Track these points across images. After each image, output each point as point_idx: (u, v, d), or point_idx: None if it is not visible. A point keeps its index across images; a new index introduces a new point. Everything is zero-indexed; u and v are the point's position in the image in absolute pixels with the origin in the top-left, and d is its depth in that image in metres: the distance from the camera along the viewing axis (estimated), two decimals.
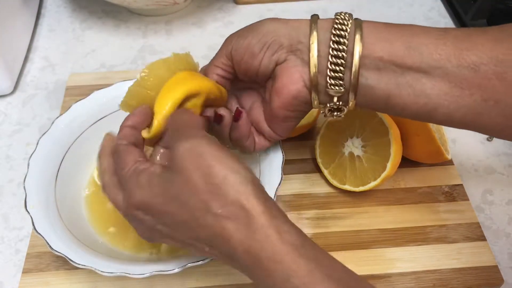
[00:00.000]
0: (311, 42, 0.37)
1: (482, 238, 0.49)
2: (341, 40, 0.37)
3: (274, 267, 0.31)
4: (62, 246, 0.40)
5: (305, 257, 0.31)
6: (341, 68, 0.37)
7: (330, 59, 0.37)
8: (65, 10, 0.74)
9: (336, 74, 0.37)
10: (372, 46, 0.36)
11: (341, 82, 0.37)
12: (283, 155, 0.46)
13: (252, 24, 0.41)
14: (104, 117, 0.50)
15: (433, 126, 0.50)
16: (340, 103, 0.39)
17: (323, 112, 0.41)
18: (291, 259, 0.31)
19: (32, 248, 0.47)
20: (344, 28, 0.37)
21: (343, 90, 0.38)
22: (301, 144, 0.56)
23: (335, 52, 0.37)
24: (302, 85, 0.39)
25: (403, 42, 0.36)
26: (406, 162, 0.53)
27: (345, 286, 0.31)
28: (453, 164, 0.55)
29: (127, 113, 0.40)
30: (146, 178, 0.35)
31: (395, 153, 0.48)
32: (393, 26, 0.37)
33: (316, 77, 0.38)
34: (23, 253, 0.48)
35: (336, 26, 0.37)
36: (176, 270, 0.39)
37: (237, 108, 0.42)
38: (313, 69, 0.38)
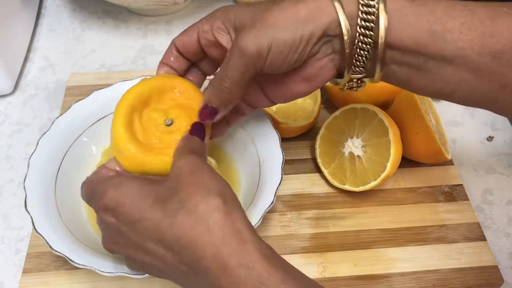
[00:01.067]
0: (343, 28, 0.35)
1: (482, 238, 0.49)
2: (368, 24, 0.35)
3: (245, 273, 0.30)
4: (62, 246, 0.40)
5: (277, 266, 0.31)
6: (369, 46, 0.36)
7: (359, 38, 0.36)
8: (65, 10, 0.74)
9: (364, 53, 0.36)
10: (397, 32, 0.35)
11: (366, 61, 0.37)
12: (283, 155, 0.46)
13: (261, 7, 0.37)
14: (104, 117, 0.50)
15: (433, 126, 0.50)
16: (363, 80, 0.39)
17: (341, 89, 0.40)
18: (262, 267, 0.31)
19: (32, 248, 0.47)
20: (371, 11, 0.35)
21: (368, 67, 0.37)
22: (301, 144, 0.56)
23: (362, 33, 0.35)
24: (334, 72, 0.38)
25: (428, 26, 0.35)
26: (406, 162, 0.53)
27: None
28: (453, 164, 0.55)
29: None
30: (122, 179, 0.36)
31: (395, 153, 0.48)
32: (416, 4, 0.36)
33: (350, 59, 0.37)
34: (23, 253, 0.48)
35: (362, 9, 0.35)
36: None
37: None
38: (348, 53, 0.36)
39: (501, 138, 0.59)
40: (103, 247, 0.37)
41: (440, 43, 0.35)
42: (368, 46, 0.36)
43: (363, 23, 0.35)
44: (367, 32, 0.35)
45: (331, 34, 0.36)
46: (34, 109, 0.61)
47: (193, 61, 0.42)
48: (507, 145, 0.58)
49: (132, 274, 0.39)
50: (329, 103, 0.58)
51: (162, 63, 0.42)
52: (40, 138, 0.47)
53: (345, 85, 0.39)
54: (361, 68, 0.37)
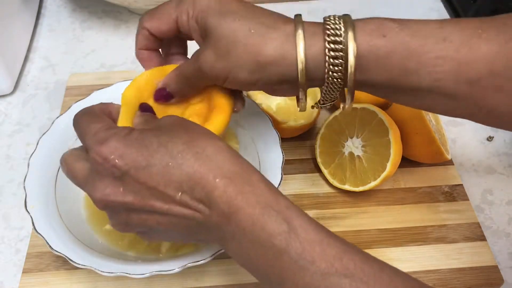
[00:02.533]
0: (300, 78, 0.35)
1: (482, 238, 0.49)
2: (337, 61, 0.34)
3: (254, 198, 0.31)
4: (62, 246, 0.40)
5: (283, 196, 0.32)
6: (339, 83, 0.36)
7: (328, 74, 0.35)
8: (65, 10, 0.74)
9: (334, 88, 0.36)
10: (368, 72, 0.35)
11: (335, 94, 0.37)
12: (283, 155, 0.46)
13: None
14: None
15: (433, 126, 0.50)
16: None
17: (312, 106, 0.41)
18: (271, 196, 0.32)
19: (32, 248, 0.47)
20: (338, 48, 0.34)
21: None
22: (301, 144, 0.56)
23: (331, 69, 0.35)
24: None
25: (401, 62, 0.34)
26: (406, 162, 0.53)
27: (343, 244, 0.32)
28: (453, 164, 0.55)
29: None
30: (121, 131, 0.34)
31: (395, 153, 0.48)
32: (388, 38, 0.34)
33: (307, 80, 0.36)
34: (23, 253, 0.48)
35: (329, 46, 0.34)
36: (176, 270, 0.39)
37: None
38: (302, 79, 0.36)
39: (501, 138, 0.59)
40: (113, 223, 0.35)
41: (414, 78, 0.34)
42: (338, 82, 0.35)
43: (331, 61, 0.35)
44: (336, 69, 0.35)
45: (290, 80, 0.36)
46: (34, 109, 0.61)
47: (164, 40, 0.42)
48: (507, 145, 0.58)
49: (132, 274, 0.39)
50: None
51: (140, 49, 0.41)
52: (40, 138, 0.47)
53: (315, 105, 0.40)
54: (331, 97, 0.38)
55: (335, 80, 0.35)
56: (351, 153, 0.51)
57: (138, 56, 0.42)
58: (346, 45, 0.34)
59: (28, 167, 0.45)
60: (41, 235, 0.40)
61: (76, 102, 0.50)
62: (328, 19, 0.35)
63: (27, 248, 0.47)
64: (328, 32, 0.34)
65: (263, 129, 0.48)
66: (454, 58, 0.34)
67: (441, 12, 0.74)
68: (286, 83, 0.36)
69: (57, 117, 0.48)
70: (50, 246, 0.40)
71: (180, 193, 0.32)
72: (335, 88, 0.36)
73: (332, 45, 0.34)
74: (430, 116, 0.52)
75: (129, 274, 0.39)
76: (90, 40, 0.70)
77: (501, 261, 0.49)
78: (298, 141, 0.55)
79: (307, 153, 0.55)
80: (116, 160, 0.32)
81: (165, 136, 0.33)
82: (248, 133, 0.49)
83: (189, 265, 0.39)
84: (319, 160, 0.52)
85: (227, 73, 0.36)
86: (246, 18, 0.36)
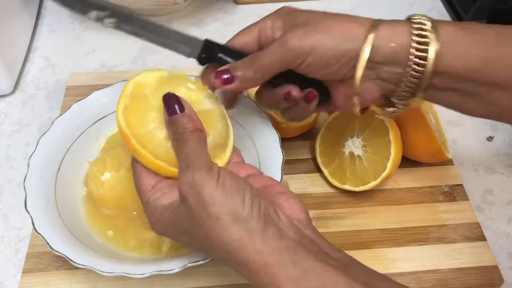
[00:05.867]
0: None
1: (482, 238, 0.49)
2: (421, 54, 0.35)
3: None
4: (62, 246, 0.40)
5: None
6: (420, 75, 0.36)
7: (410, 67, 0.36)
8: (65, 10, 0.74)
9: (414, 80, 0.36)
10: (449, 60, 0.35)
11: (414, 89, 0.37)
12: (283, 155, 0.46)
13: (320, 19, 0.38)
14: (104, 117, 0.50)
15: (433, 126, 0.50)
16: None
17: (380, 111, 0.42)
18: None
19: (32, 248, 0.47)
20: (424, 41, 0.35)
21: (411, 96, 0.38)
22: (301, 144, 0.56)
23: (415, 62, 0.36)
24: (380, 95, 0.39)
25: (481, 53, 0.35)
26: (406, 162, 0.53)
27: None
28: (453, 164, 0.55)
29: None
30: (159, 211, 0.36)
31: (395, 153, 0.48)
32: (469, 31, 0.35)
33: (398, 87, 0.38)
34: (23, 253, 0.48)
35: (415, 39, 0.36)
36: (176, 270, 0.39)
37: (311, 90, 0.41)
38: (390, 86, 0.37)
39: (501, 138, 0.59)
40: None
41: (493, 69, 0.35)
42: (419, 74, 0.36)
43: (415, 53, 0.35)
44: (419, 61, 0.35)
45: (377, 61, 0.36)
46: (34, 109, 0.61)
47: None
48: (507, 145, 0.58)
49: (132, 274, 0.39)
50: None
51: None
52: (40, 138, 0.47)
53: (387, 109, 0.40)
54: (407, 94, 0.38)
55: (418, 67, 0.35)
56: (351, 153, 0.51)
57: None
58: (431, 33, 0.35)
59: (28, 167, 0.45)
60: (41, 235, 0.40)
61: (76, 102, 0.50)
62: (412, 16, 0.37)
63: (27, 248, 0.47)
64: (414, 25, 0.36)
65: (263, 129, 0.48)
66: None
67: (441, 12, 0.74)
68: (373, 70, 0.37)
69: (57, 117, 0.48)
70: (50, 246, 0.40)
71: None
72: (415, 80, 0.36)
73: (418, 32, 0.35)
74: (430, 116, 0.52)
75: (129, 274, 0.39)
76: (90, 40, 0.70)
77: (501, 261, 0.49)
78: (298, 141, 0.55)
79: (307, 153, 0.55)
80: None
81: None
82: (248, 133, 0.49)
83: (189, 265, 0.39)
84: (319, 160, 0.52)
85: (314, 43, 0.36)
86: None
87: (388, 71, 0.37)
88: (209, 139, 0.38)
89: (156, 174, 0.38)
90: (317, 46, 0.36)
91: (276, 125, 0.49)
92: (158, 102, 0.38)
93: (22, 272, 0.46)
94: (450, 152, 0.52)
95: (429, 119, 0.51)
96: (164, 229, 0.37)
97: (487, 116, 0.38)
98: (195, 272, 0.46)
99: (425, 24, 0.36)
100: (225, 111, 0.42)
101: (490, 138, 0.58)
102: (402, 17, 0.38)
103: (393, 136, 0.49)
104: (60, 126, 0.48)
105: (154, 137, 0.37)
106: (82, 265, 0.39)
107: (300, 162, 0.54)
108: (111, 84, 0.51)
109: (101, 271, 0.39)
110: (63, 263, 0.46)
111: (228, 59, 0.41)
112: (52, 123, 0.48)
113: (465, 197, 0.52)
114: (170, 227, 0.36)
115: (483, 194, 0.54)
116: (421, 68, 0.35)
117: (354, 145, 0.51)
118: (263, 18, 0.41)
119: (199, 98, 0.40)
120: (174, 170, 0.37)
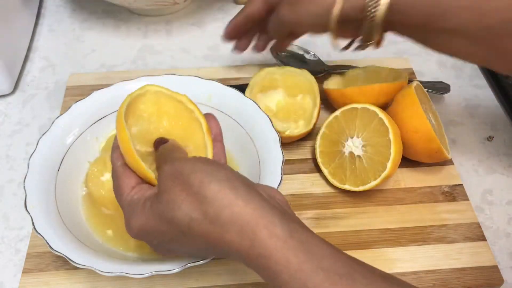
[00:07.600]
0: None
1: (482, 238, 0.49)
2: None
3: (264, 263, 0.31)
4: (62, 246, 0.40)
5: (293, 248, 0.31)
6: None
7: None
8: (65, 10, 0.74)
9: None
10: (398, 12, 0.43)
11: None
12: (283, 155, 0.46)
13: None
14: (104, 117, 0.50)
15: (433, 126, 0.50)
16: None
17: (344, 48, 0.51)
18: (280, 253, 0.31)
19: (32, 248, 0.47)
20: None
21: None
22: (301, 144, 0.56)
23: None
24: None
25: (429, 7, 0.41)
26: (406, 162, 0.53)
27: (335, 274, 0.31)
28: (453, 164, 0.55)
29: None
30: (140, 206, 0.36)
31: (395, 152, 0.48)
32: None
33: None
34: (23, 253, 0.48)
35: None
36: (176, 270, 0.39)
37: None
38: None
39: (501, 138, 0.59)
40: (157, 250, 0.39)
41: (440, 21, 0.41)
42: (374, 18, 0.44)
43: (369, 3, 0.43)
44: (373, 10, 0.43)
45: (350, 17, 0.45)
46: (34, 109, 0.61)
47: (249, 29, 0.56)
48: (507, 145, 0.58)
49: (132, 274, 0.39)
50: (329, 103, 0.58)
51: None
52: (40, 138, 0.47)
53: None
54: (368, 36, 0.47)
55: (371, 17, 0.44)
56: (351, 153, 0.51)
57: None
58: None
59: (28, 167, 0.45)
60: (41, 235, 0.40)
61: (76, 102, 0.50)
62: None
63: (27, 248, 0.47)
64: None
65: (263, 129, 0.48)
66: (474, 8, 0.39)
67: None
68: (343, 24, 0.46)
69: (57, 117, 0.48)
70: (50, 246, 0.40)
71: (211, 252, 0.36)
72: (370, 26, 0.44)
73: None
74: (430, 116, 0.52)
75: (129, 274, 0.39)
76: (90, 40, 0.70)
77: (501, 261, 0.49)
78: (298, 141, 0.55)
79: (307, 153, 0.55)
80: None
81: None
82: (248, 133, 0.49)
83: (189, 265, 0.39)
84: (319, 160, 0.52)
85: (299, 18, 0.49)
86: None
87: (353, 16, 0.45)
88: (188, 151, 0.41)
89: (137, 176, 0.39)
90: (302, 20, 0.48)
91: None
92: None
93: (22, 272, 0.46)
94: (450, 152, 0.52)
95: (429, 118, 0.51)
96: (143, 223, 0.36)
97: (448, 53, 0.45)
98: (195, 272, 0.46)
99: None
100: (204, 125, 0.42)
101: (490, 138, 0.58)
102: None
103: (393, 136, 0.49)
104: (60, 126, 0.48)
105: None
106: (82, 265, 0.39)
107: (300, 162, 0.54)
108: (111, 84, 0.51)
109: (101, 271, 0.39)
110: (63, 263, 0.46)
111: None
112: (52, 123, 0.48)
113: (465, 197, 0.52)
114: (149, 219, 0.35)
115: (483, 194, 0.54)
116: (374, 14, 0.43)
117: (354, 145, 0.51)
118: None
119: (181, 112, 0.42)
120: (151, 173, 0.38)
